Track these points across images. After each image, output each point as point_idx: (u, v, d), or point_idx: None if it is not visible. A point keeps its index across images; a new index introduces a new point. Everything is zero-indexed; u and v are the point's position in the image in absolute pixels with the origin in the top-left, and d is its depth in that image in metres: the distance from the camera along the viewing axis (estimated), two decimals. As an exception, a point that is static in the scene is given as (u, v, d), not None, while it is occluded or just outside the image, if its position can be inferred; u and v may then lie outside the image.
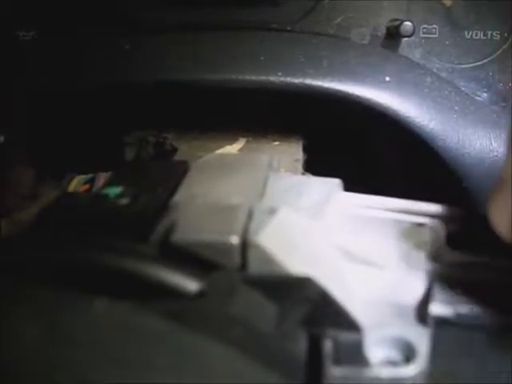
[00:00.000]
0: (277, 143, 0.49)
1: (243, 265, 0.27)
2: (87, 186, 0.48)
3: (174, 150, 0.49)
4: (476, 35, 0.53)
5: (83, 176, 0.48)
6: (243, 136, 0.50)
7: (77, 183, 0.48)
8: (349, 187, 0.37)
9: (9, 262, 0.27)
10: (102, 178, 0.47)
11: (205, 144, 0.49)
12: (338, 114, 0.48)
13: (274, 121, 0.50)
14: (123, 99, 0.50)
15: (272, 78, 0.45)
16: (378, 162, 0.53)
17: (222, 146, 0.49)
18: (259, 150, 0.48)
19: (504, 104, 0.53)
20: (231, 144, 0.49)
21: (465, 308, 0.28)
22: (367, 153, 0.52)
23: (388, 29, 0.52)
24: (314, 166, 0.47)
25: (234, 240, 0.27)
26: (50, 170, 0.51)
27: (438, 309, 0.28)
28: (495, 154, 0.46)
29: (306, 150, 0.49)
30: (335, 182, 0.35)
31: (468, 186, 0.44)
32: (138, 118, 0.51)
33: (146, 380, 0.22)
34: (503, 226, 0.28)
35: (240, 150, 0.48)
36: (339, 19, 0.53)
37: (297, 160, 0.47)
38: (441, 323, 0.28)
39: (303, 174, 0.47)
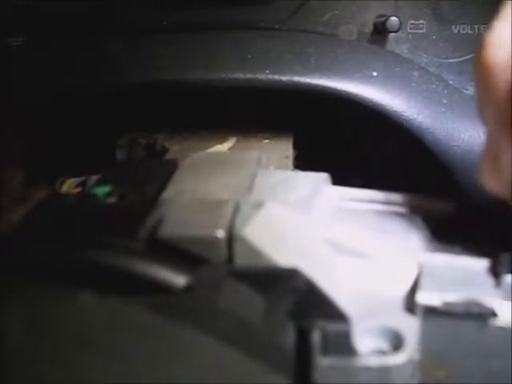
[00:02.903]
0: (267, 141, 0.49)
1: (230, 258, 0.27)
2: (79, 189, 0.48)
3: (165, 150, 0.49)
4: (463, 29, 0.54)
5: (75, 179, 0.49)
6: (233, 135, 0.50)
7: (68, 186, 0.48)
8: (339, 182, 0.37)
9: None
10: (94, 180, 0.47)
11: (195, 144, 0.49)
12: (326, 110, 0.48)
13: (263, 119, 0.51)
14: (113, 101, 0.50)
15: (260, 76, 0.45)
16: (367, 156, 0.53)
17: (213, 146, 0.49)
18: (249, 148, 0.48)
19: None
20: (221, 143, 0.49)
21: (453, 296, 0.28)
22: (356, 148, 0.52)
23: (375, 25, 0.52)
24: (305, 162, 0.47)
25: (220, 234, 0.27)
26: (42, 173, 0.51)
27: (425, 298, 0.28)
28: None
29: (296, 146, 0.49)
30: (323, 176, 0.36)
31: (457, 178, 0.44)
32: (129, 120, 0.51)
33: (133, 373, 0.22)
34: (482, 172, 0.29)
35: (230, 148, 0.49)
36: (327, 16, 0.53)
37: (287, 157, 0.47)
38: (429, 312, 0.28)
39: (293, 170, 0.47)
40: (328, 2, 0.53)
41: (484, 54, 0.28)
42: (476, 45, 0.53)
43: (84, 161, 0.49)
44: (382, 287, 0.30)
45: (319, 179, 0.35)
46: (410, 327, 0.27)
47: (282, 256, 0.27)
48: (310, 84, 0.45)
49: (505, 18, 0.28)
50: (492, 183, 0.29)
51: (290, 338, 0.26)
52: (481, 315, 0.28)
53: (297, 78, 0.45)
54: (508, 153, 0.27)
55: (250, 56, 0.46)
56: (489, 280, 0.29)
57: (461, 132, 0.45)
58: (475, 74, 0.29)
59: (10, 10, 0.53)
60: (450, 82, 0.51)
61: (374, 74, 0.46)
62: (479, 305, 0.28)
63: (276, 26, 0.53)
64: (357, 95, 0.44)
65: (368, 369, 0.26)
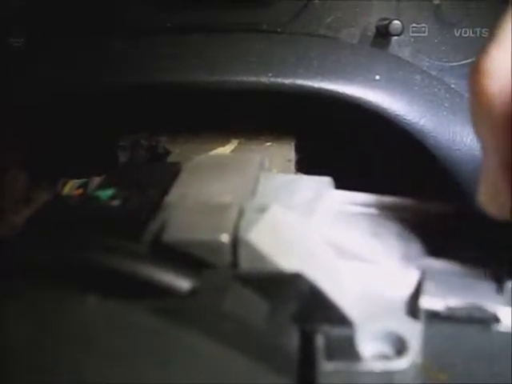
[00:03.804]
0: (269, 144, 0.49)
1: (234, 262, 0.27)
2: (81, 191, 0.48)
3: (167, 152, 0.49)
4: (465, 33, 0.54)
5: (77, 180, 0.49)
6: (235, 137, 0.50)
7: (70, 187, 0.48)
8: (341, 186, 0.37)
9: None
10: (96, 182, 0.47)
11: (197, 146, 0.49)
12: (328, 114, 0.48)
13: (266, 122, 0.51)
14: (114, 102, 0.50)
15: (262, 79, 0.45)
16: (368, 159, 0.53)
17: (215, 148, 0.49)
18: (251, 151, 0.48)
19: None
20: (224, 146, 0.49)
21: (455, 301, 0.29)
22: (358, 151, 0.53)
23: (377, 28, 0.52)
24: (307, 165, 0.48)
25: (225, 238, 0.27)
26: (45, 174, 0.51)
27: (428, 303, 0.29)
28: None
29: (298, 150, 0.49)
30: (326, 180, 0.36)
31: (459, 181, 0.44)
32: (131, 122, 0.51)
33: (138, 376, 0.22)
34: (481, 198, 0.29)
35: (232, 151, 0.49)
36: (329, 19, 0.53)
37: (289, 160, 0.47)
38: (432, 317, 0.28)
39: (295, 174, 0.47)
40: (330, 5, 0.53)
41: (483, 83, 0.27)
42: (478, 48, 0.53)
43: (85, 162, 0.49)
44: (385, 291, 0.30)
45: (322, 183, 0.35)
46: (413, 331, 0.28)
47: (286, 260, 0.27)
48: (313, 87, 0.45)
49: (501, 43, 0.28)
50: (491, 208, 0.29)
51: (293, 341, 0.26)
52: (483, 320, 0.28)
53: (299, 82, 0.45)
54: (506, 182, 0.27)
55: (252, 59, 0.46)
56: (491, 285, 0.29)
57: (463, 136, 0.46)
58: (471, 98, 0.28)
59: (10, 11, 0.53)
60: (452, 86, 0.51)
61: (377, 77, 0.46)
62: (482, 310, 0.28)
63: (278, 29, 0.53)
64: (359, 98, 0.45)
65: (371, 373, 0.26)
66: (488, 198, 0.29)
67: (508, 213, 0.28)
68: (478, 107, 0.28)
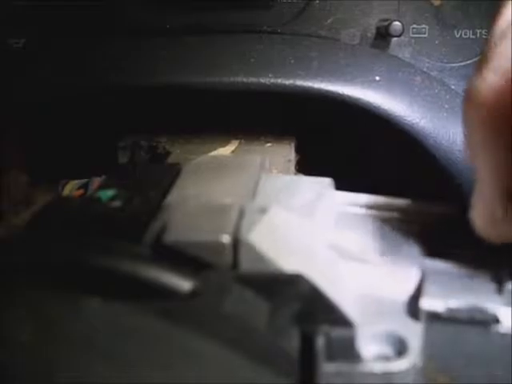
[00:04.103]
0: (269, 145, 0.49)
1: (235, 263, 0.28)
2: (81, 191, 0.48)
3: (167, 153, 0.49)
4: (465, 34, 0.54)
5: (77, 181, 0.49)
6: (236, 138, 0.50)
7: (71, 188, 0.48)
8: (341, 186, 0.37)
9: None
10: (96, 182, 0.47)
11: (197, 147, 0.49)
12: (329, 114, 0.48)
13: (266, 122, 0.51)
14: (115, 103, 0.50)
15: (263, 80, 0.45)
16: (369, 161, 0.53)
17: (215, 149, 0.49)
18: (251, 152, 0.48)
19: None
20: (224, 146, 0.49)
21: (456, 303, 0.29)
22: (359, 152, 0.53)
23: (378, 29, 0.52)
24: (307, 166, 0.48)
25: (225, 239, 0.27)
26: (45, 175, 0.51)
27: (429, 304, 0.29)
28: (486, 150, 0.46)
29: (298, 150, 0.49)
30: (327, 181, 0.36)
31: (459, 182, 0.44)
32: (131, 122, 0.51)
33: (139, 378, 0.22)
34: (479, 226, 0.29)
35: (233, 152, 0.49)
36: (329, 21, 0.53)
37: (289, 161, 0.47)
38: (432, 318, 0.28)
39: (295, 174, 0.47)
40: (330, 6, 0.53)
41: (480, 110, 0.26)
42: (478, 49, 0.53)
43: (85, 163, 0.49)
44: (386, 292, 0.30)
45: (322, 184, 0.35)
46: (414, 333, 0.28)
47: (287, 261, 0.28)
48: (313, 88, 0.45)
49: (496, 68, 0.27)
50: (489, 235, 0.29)
51: (294, 342, 0.26)
52: (484, 321, 0.28)
53: (299, 82, 0.45)
54: (505, 212, 0.27)
55: (252, 60, 0.46)
56: (491, 287, 0.29)
57: (463, 137, 0.45)
58: (468, 125, 0.28)
59: (10, 11, 0.53)
60: (452, 87, 0.51)
61: (377, 78, 0.46)
62: (482, 311, 0.28)
63: (278, 30, 0.53)
64: (359, 99, 0.45)
65: (372, 374, 0.26)
66: (486, 226, 0.29)
67: (507, 239, 0.28)
68: (476, 135, 0.27)
